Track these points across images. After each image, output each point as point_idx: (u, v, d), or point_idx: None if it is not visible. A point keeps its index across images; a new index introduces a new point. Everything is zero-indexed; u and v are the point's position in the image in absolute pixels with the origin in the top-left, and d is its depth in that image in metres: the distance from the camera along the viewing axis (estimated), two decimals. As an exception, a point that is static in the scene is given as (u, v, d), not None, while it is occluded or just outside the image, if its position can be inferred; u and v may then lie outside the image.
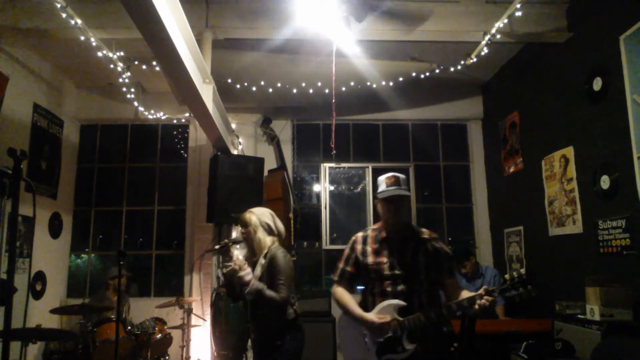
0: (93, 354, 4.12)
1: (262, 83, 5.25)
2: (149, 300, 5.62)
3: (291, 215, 5.61)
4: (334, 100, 4.39)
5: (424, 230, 2.56)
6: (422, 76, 5.21)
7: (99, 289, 5.32)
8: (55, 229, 5.54)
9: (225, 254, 2.89)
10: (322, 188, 6.20)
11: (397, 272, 2.44)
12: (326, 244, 6.06)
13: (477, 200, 6.18)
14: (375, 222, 6.01)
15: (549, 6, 4.39)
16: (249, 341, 3.31)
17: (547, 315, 4.00)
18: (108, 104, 5.97)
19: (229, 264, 2.83)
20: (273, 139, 6.00)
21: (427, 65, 5.17)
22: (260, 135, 6.09)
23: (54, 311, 4.40)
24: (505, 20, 4.04)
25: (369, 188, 6.19)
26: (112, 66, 4.69)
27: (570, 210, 4.27)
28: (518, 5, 3.82)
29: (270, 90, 5.30)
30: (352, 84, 5.31)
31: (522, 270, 2.20)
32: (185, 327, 4.78)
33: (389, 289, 2.44)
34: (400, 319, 2.34)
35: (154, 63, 4.83)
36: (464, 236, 6.23)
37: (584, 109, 4.08)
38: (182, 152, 6.25)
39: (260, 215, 2.93)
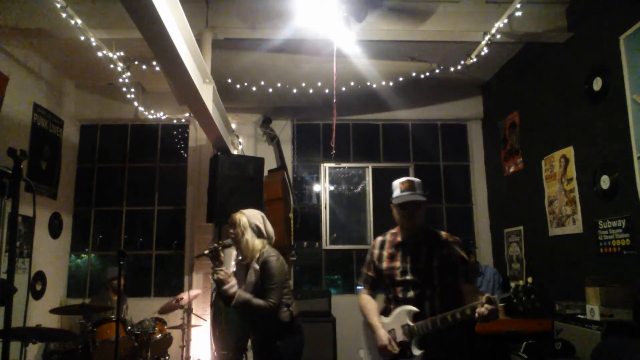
0: (93, 354, 4.12)
1: (262, 83, 5.25)
2: (149, 300, 5.63)
3: (291, 215, 5.61)
4: (334, 100, 4.38)
5: (442, 233, 2.52)
6: (422, 76, 5.21)
7: (99, 289, 5.31)
8: (55, 229, 5.54)
9: (216, 258, 2.79)
10: (322, 188, 6.20)
11: (408, 278, 2.42)
12: (326, 244, 6.06)
13: (477, 200, 6.18)
14: (375, 222, 6.15)
15: (549, 6, 4.39)
16: (249, 341, 3.30)
17: (547, 315, 3.99)
18: (108, 104, 5.97)
19: (220, 269, 2.76)
20: (273, 139, 6.00)
21: (427, 65, 5.17)
22: (260, 135, 6.09)
23: (54, 311, 4.39)
24: (505, 20, 4.03)
25: (369, 188, 6.19)
26: (112, 66, 4.69)
27: (570, 210, 4.27)
28: (518, 5, 3.82)
29: (270, 90, 5.30)
30: (352, 84, 5.30)
31: (530, 280, 2.12)
32: (185, 327, 4.79)
33: (400, 295, 2.43)
34: (411, 324, 2.34)
35: (154, 63, 4.83)
36: (464, 236, 6.20)
37: (584, 109, 4.08)
38: (182, 152, 6.24)
39: (250, 216, 2.86)
